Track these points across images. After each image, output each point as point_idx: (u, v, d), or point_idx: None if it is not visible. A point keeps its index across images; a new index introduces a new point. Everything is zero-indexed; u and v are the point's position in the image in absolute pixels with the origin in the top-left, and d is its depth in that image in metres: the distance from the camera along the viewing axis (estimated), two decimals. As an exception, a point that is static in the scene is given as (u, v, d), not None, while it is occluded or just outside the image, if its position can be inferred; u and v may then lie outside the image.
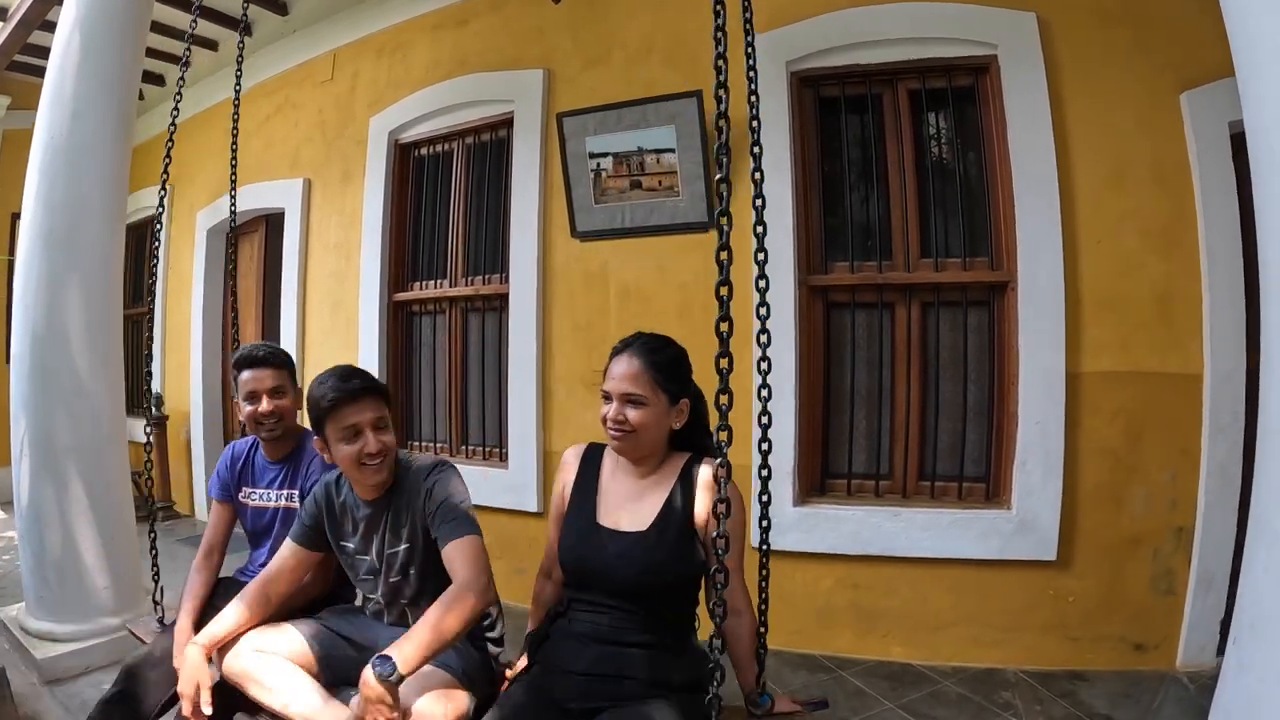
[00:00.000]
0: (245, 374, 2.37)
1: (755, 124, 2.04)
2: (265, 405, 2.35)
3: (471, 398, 4.54)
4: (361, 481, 1.96)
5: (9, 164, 6.31)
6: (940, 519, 3.31)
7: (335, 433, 1.90)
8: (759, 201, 1.89)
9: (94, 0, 3.29)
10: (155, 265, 3.08)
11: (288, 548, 2.08)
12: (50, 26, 4.86)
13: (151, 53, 5.03)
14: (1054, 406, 3.18)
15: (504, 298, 4.24)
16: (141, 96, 5.48)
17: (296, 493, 2.41)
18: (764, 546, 1.97)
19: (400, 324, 4.79)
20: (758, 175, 1.92)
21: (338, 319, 4.94)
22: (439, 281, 4.64)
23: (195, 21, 3.17)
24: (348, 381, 1.91)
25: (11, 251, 6.30)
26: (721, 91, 1.66)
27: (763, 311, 1.85)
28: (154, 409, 5.92)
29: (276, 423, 2.38)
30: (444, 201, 4.64)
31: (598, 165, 3.78)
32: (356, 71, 4.95)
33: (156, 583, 2.81)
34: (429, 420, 4.70)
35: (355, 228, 4.82)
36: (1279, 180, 1.51)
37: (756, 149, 1.94)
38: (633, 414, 1.81)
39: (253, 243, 5.82)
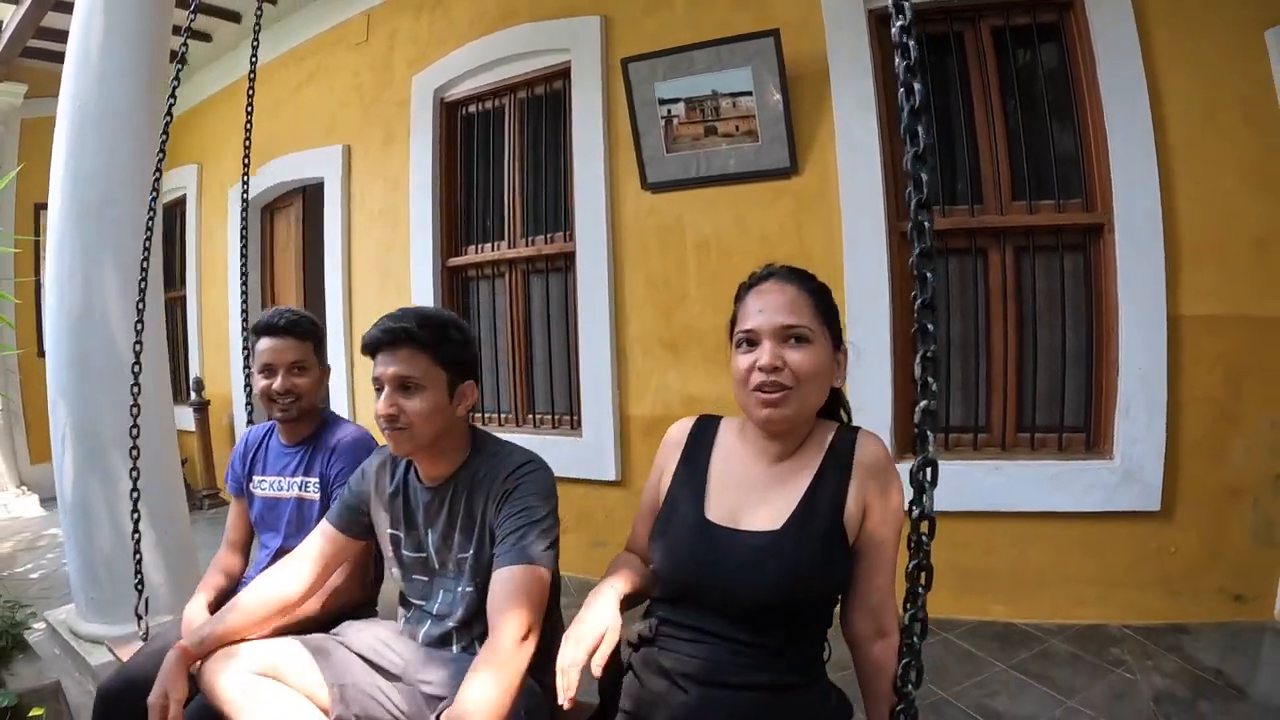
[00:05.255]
0: (263, 342, 2.10)
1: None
2: (280, 382, 2.07)
3: (537, 363, 4.42)
4: (390, 447, 1.64)
5: (28, 154, 6.19)
6: (1043, 471, 3.21)
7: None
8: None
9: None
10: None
11: (320, 531, 1.74)
12: (63, 7, 4.75)
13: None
14: (1156, 352, 3.09)
15: (569, 257, 4.12)
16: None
17: (316, 481, 2.10)
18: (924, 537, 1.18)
19: (456, 290, 4.67)
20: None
21: (387, 288, 4.81)
22: (496, 243, 4.51)
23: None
24: (382, 326, 1.58)
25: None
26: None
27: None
28: (195, 393, 5.81)
29: (292, 402, 2.09)
30: (497, 159, 4.50)
31: (668, 112, 3.60)
32: (394, 30, 4.79)
33: (140, 592, 2.44)
34: (490, 389, 4.58)
35: (401, 192, 4.69)
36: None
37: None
38: (796, 356, 1.32)
39: (289, 217, 5.70)
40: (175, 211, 6.54)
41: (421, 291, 4.59)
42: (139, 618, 2.42)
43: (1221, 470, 3.10)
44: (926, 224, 1.09)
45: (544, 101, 4.30)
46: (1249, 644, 2.94)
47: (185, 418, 5.99)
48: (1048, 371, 3.34)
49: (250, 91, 2.91)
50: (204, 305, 6.20)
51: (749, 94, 3.43)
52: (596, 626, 1.33)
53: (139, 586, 2.44)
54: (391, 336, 1.55)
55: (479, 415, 4.56)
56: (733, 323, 1.42)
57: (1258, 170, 3.01)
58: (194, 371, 6.19)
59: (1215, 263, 3.06)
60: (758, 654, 1.32)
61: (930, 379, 1.11)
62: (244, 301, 3.15)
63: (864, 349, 3.21)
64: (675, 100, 3.58)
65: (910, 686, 1.18)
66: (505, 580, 1.44)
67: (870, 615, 1.35)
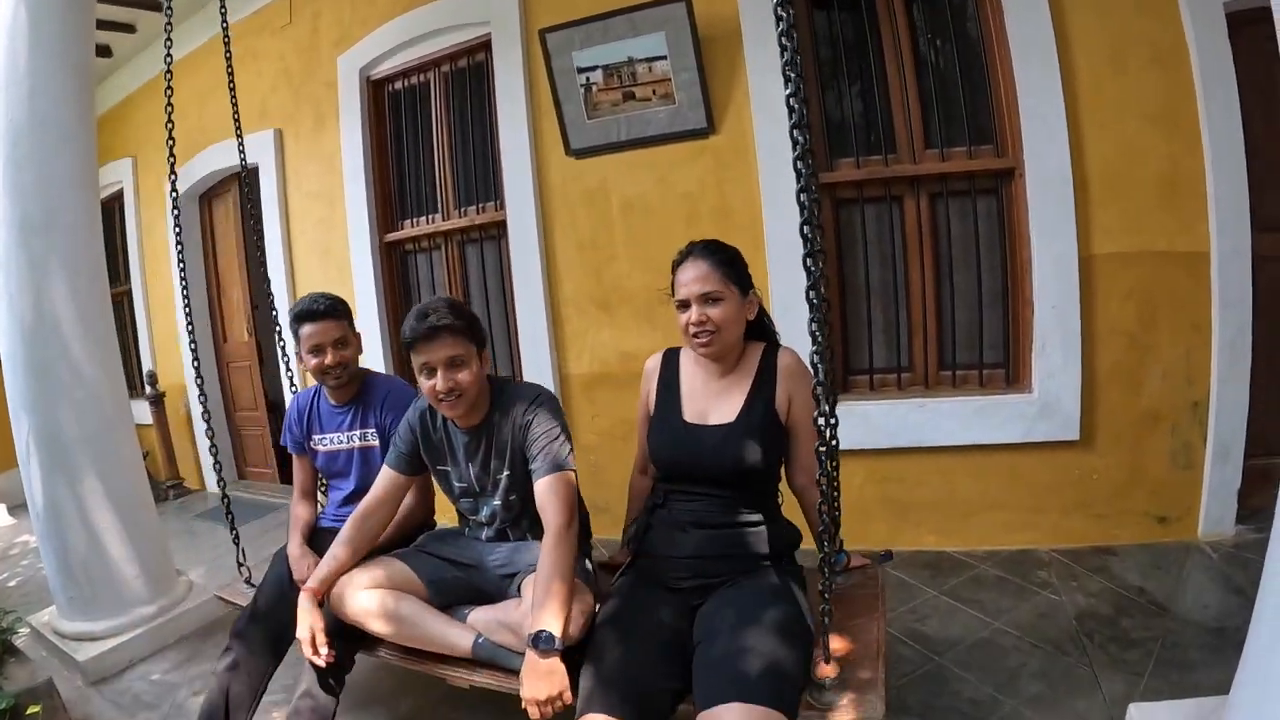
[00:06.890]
0: (306, 328, 2.43)
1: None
2: (330, 358, 2.43)
3: (478, 330, 4.43)
4: (444, 413, 2.08)
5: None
6: (965, 407, 3.32)
7: (415, 368, 2.02)
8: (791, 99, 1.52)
9: (34, -32, 3.00)
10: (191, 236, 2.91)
11: (384, 475, 2.18)
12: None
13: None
14: (1068, 290, 3.17)
15: (501, 225, 4.14)
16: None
17: (373, 430, 2.53)
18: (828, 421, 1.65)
19: (395, 264, 4.69)
20: (792, 73, 1.50)
21: (328, 267, 4.81)
22: (430, 216, 4.52)
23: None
24: (423, 320, 1.96)
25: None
26: None
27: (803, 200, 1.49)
28: (149, 387, 5.80)
29: (343, 371, 2.47)
30: (426, 134, 4.50)
31: (587, 79, 3.63)
32: (317, 12, 4.74)
33: (237, 544, 2.96)
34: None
35: (335, 173, 4.68)
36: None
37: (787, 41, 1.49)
38: (714, 312, 1.93)
39: (227, 203, 5.63)
40: (113, 206, 6.39)
41: (362, 267, 4.61)
42: (240, 565, 2.93)
43: (1139, 399, 3.20)
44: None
45: (468, 74, 4.29)
46: (1173, 563, 3.06)
47: (141, 411, 5.97)
48: (966, 312, 3.43)
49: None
50: (150, 299, 6.12)
51: (664, 58, 3.47)
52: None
53: (236, 540, 2.98)
54: (435, 330, 1.94)
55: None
56: (673, 287, 2.00)
57: (1164, 111, 3.06)
58: (146, 365, 6.15)
59: (1123, 202, 3.12)
60: (732, 503, 1.95)
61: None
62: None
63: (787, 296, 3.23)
64: (593, 68, 3.61)
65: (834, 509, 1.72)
66: (546, 487, 1.95)
67: (803, 471, 2.01)
